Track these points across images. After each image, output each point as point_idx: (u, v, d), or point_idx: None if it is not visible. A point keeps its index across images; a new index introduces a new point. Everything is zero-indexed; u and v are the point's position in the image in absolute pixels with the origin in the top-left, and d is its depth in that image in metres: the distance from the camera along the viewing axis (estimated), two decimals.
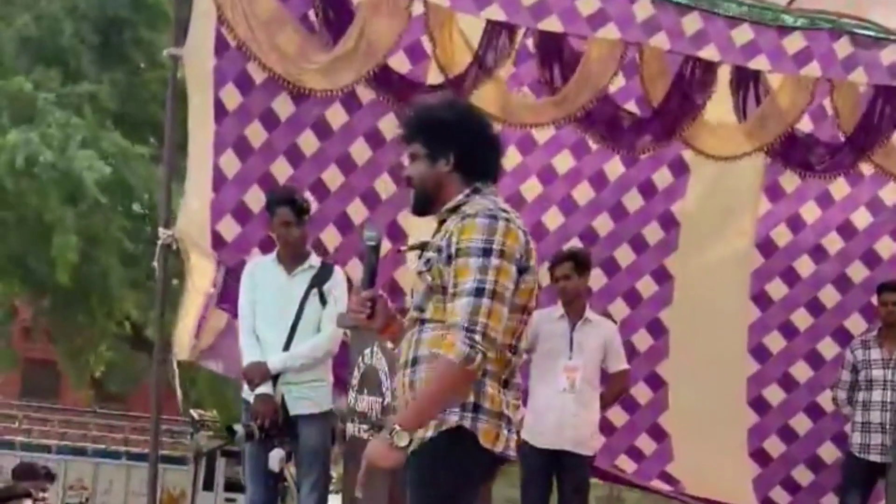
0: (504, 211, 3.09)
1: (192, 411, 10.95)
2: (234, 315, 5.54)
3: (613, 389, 6.07)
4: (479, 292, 2.98)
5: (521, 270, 3.05)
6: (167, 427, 9.62)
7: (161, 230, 5.64)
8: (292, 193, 5.33)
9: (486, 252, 3.00)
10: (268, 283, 5.15)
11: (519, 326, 3.10)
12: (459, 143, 3.16)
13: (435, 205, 3.20)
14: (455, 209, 3.14)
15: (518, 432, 3.17)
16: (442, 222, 3.18)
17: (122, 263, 11.58)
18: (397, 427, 3.00)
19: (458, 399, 3.04)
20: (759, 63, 6.32)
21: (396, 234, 5.83)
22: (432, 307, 3.10)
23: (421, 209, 3.26)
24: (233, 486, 9.29)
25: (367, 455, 3.10)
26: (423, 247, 3.22)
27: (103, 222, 11.44)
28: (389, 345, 3.47)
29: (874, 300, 6.67)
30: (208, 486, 10.59)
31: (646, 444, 6.77)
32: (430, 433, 3.05)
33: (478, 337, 2.96)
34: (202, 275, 5.91)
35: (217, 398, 12.11)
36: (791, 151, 6.56)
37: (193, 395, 11.95)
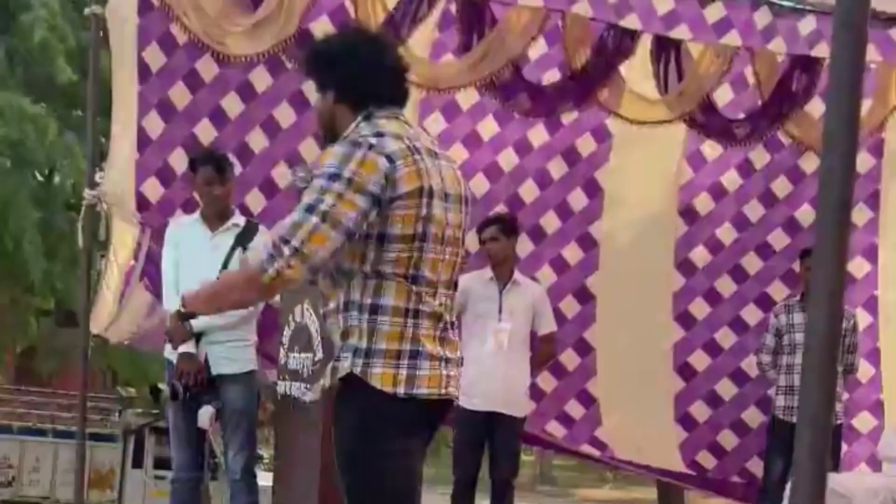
0: (378, 134, 2.96)
1: (119, 388, 10.86)
2: (157, 294, 5.51)
3: (543, 352, 6.15)
4: (309, 209, 2.87)
5: (390, 200, 2.90)
6: (94, 404, 9.51)
7: (86, 191, 5.58)
8: (214, 152, 5.34)
9: (333, 177, 2.88)
10: (191, 242, 5.13)
11: (414, 255, 2.95)
12: (340, 72, 3.05)
13: (335, 137, 3.07)
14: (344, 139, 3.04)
15: (448, 361, 3.03)
16: None
17: (36, 229, 11.35)
18: (185, 298, 3.11)
19: (246, 304, 3.10)
20: (680, 32, 6.41)
21: None
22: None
23: (329, 143, 3.12)
24: (162, 463, 9.22)
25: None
26: None
27: (9, 187, 11.16)
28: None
29: (795, 267, 6.82)
30: (137, 463, 10.53)
31: (575, 409, 6.84)
32: (328, 381, 3.02)
33: (287, 250, 2.85)
34: (122, 246, 5.87)
35: (135, 372, 12.00)
36: (708, 121, 6.66)
37: (115, 371, 11.88)
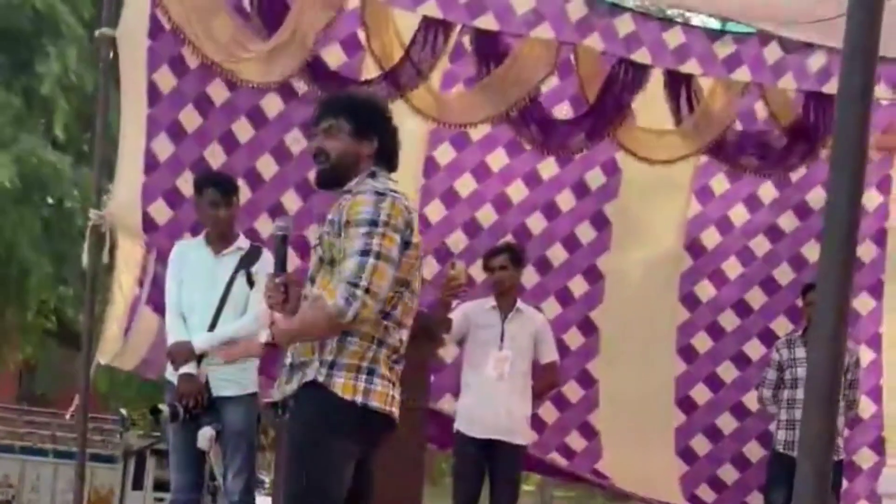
0: (392, 190, 3.38)
1: (121, 410, 10.87)
2: (163, 318, 5.50)
3: (544, 381, 6.15)
4: (364, 253, 3.28)
5: (405, 244, 3.35)
6: (96, 425, 9.51)
7: (92, 211, 5.59)
8: (219, 174, 5.36)
9: (373, 222, 3.29)
10: (195, 263, 5.14)
11: (395, 297, 3.37)
12: (382, 131, 3.47)
13: (345, 180, 3.44)
14: (350, 190, 3.42)
15: (394, 385, 3.42)
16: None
17: (48, 259, 11.50)
18: (267, 332, 3.43)
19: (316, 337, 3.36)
20: (690, 66, 6.47)
21: None
22: (320, 279, 3.38)
23: (332, 182, 3.49)
24: (162, 485, 9.22)
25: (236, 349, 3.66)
26: None
27: (15, 221, 11.36)
28: None
29: (799, 302, 6.82)
30: (137, 485, 10.52)
31: (576, 441, 6.84)
32: (294, 387, 3.39)
33: (359, 292, 3.25)
34: (127, 273, 5.85)
35: (132, 394, 12.12)
36: (729, 150, 6.68)
37: (112, 392, 11.91)
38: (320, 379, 3.34)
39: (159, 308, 5.64)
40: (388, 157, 3.49)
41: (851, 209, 2.62)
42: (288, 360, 3.46)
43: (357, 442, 3.38)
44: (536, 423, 6.42)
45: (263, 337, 3.43)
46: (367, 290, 3.25)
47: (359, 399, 3.33)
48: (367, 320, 3.30)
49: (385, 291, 3.30)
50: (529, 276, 6.51)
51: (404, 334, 3.47)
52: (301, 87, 5.87)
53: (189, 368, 5.00)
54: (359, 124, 3.43)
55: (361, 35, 5.89)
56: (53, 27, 11.75)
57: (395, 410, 3.44)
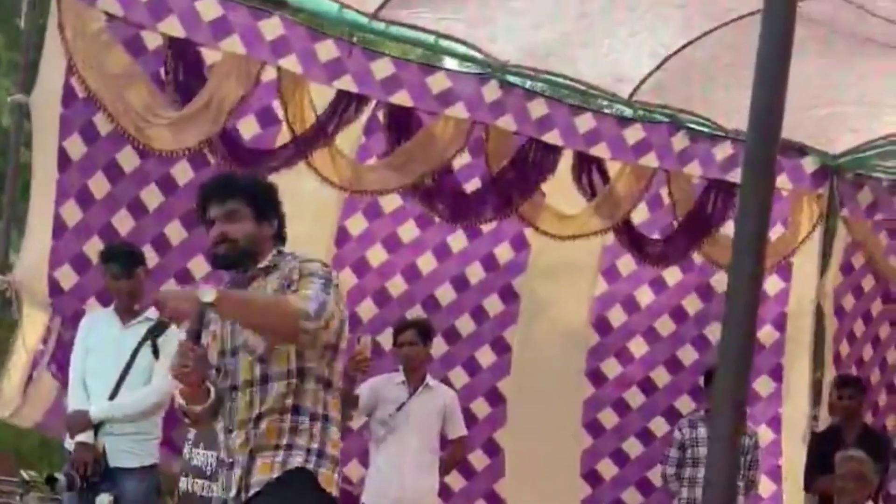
0: None
1: (22, 472, 10.64)
2: (63, 382, 5.48)
3: (452, 455, 6.20)
4: (325, 288, 3.30)
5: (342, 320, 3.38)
6: None
7: None
8: (121, 248, 5.37)
9: (327, 281, 3.34)
10: (102, 333, 5.18)
11: (333, 364, 3.40)
12: (279, 213, 3.54)
13: (250, 262, 3.45)
14: (268, 267, 3.44)
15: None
16: (252, 278, 3.43)
17: None
18: (212, 289, 3.20)
19: (270, 330, 3.28)
20: (600, 150, 6.65)
21: None
22: (275, 358, 3.33)
23: (237, 263, 3.46)
24: None
25: (168, 292, 3.49)
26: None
27: None
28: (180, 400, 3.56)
29: (702, 382, 6.97)
30: None
31: None
32: (275, 474, 3.30)
33: (326, 315, 3.24)
34: (32, 330, 5.80)
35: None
36: (628, 239, 6.87)
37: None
38: (309, 467, 3.31)
39: (61, 370, 5.61)
40: (283, 238, 3.56)
41: (752, 294, 2.65)
42: (224, 458, 3.41)
43: None
44: (443, 491, 6.45)
45: (207, 296, 3.17)
46: (328, 323, 3.26)
47: (335, 492, 3.36)
48: (317, 340, 3.25)
49: (331, 334, 3.30)
50: (438, 346, 6.57)
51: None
52: (213, 156, 5.91)
53: (85, 437, 4.99)
54: (259, 208, 3.47)
55: (277, 107, 5.96)
56: None
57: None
